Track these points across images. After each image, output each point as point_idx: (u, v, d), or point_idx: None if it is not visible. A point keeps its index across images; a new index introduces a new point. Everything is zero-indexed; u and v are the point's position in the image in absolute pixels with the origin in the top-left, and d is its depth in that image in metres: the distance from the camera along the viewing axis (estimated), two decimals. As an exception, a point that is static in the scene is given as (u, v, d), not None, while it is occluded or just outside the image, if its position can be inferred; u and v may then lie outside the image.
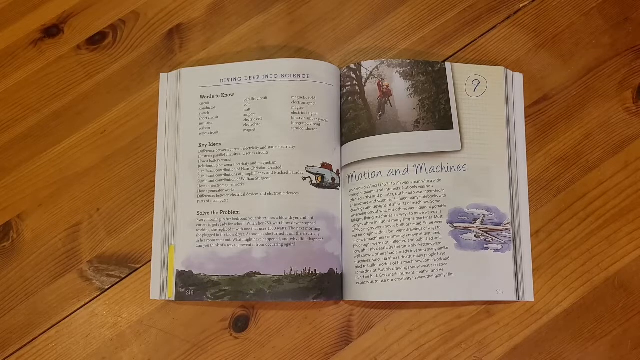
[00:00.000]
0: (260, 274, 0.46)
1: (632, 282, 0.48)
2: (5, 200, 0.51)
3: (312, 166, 0.48)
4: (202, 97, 0.51)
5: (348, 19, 0.54)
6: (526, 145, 0.50)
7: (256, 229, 0.47)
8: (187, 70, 0.51)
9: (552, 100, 0.51)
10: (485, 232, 0.47)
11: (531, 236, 0.48)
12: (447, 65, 0.49)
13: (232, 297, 0.46)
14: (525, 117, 0.51)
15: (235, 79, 0.50)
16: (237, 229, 0.47)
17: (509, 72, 0.51)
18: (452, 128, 0.48)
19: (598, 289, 0.48)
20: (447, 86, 0.49)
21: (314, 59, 0.50)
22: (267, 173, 0.48)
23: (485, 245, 0.47)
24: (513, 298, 0.47)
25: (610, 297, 0.47)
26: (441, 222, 0.47)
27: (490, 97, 0.49)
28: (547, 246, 0.48)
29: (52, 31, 0.55)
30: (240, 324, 0.48)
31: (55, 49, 0.54)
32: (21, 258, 0.50)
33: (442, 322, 0.48)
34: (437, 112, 0.48)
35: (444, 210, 0.47)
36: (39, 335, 0.49)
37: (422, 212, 0.47)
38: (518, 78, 0.51)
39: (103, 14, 0.55)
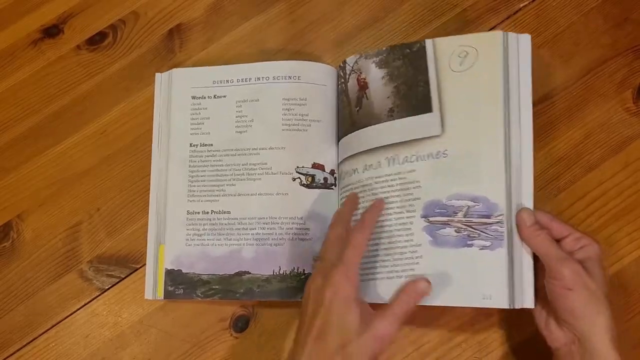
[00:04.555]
0: (250, 273, 0.47)
1: (632, 282, 0.47)
2: (5, 200, 0.51)
3: (303, 167, 0.48)
4: (193, 97, 0.50)
5: (348, 19, 0.54)
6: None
7: (246, 229, 0.47)
8: (179, 71, 0.51)
9: (552, 100, 0.51)
10: (469, 226, 0.41)
11: (531, 236, 0.48)
12: (428, 42, 0.44)
13: (222, 296, 0.47)
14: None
15: (227, 81, 0.50)
16: (227, 229, 0.48)
17: (511, 35, 0.42)
18: (431, 111, 0.43)
19: (598, 289, 0.47)
20: (427, 65, 0.44)
21: (314, 59, 0.50)
22: (258, 174, 0.48)
23: (469, 242, 0.40)
24: (505, 305, 0.39)
25: (610, 297, 0.47)
26: (414, 216, 0.42)
27: (480, 69, 0.42)
28: (547, 246, 0.48)
29: (52, 31, 0.55)
30: (240, 324, 0.48)
31: (55, 49, 0.54)
32: (21, 258, 0.50)
33: (442, 322, 0.47)
34: (413, 97, 0.44)
35: (418, 204, 0.42)
36: (39, 336, 0.49)
37: (393, 207, 0.43)
38: (525, 40, 0.42)
39: (103, 14, 0.55)
